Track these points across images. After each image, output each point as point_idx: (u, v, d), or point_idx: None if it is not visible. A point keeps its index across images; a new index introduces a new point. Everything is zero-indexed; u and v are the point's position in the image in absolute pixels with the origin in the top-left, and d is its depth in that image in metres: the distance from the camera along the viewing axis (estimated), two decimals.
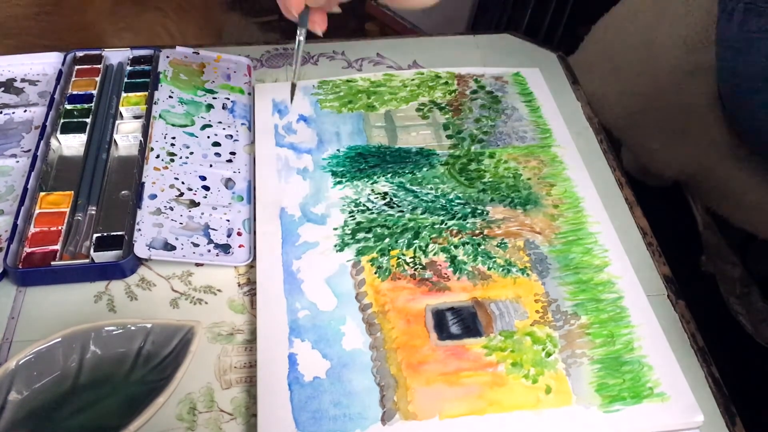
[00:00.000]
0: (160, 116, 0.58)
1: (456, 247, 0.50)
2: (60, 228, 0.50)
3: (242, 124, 0.59)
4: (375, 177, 0.55)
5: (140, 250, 0.48)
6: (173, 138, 0.56)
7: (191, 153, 0.56)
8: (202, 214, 0.52)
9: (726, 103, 0.63)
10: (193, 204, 0.52)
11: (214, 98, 0.61)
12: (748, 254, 0.62)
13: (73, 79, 0.61)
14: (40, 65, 0.64)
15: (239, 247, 0.50)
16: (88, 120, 0.58)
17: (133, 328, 0.42)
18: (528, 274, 0.49)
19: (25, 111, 0.59)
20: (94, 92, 0.60)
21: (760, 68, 0.53)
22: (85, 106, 0.59)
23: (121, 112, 0.59)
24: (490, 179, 0.55)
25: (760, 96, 0.55)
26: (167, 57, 0.63)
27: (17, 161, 0.55)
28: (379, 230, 0.51)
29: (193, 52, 0.65)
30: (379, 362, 0.44)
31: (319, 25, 0.51)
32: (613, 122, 0.71)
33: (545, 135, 0.59)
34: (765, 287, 0.59)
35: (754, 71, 0.54)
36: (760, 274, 0.60)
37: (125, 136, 0.57)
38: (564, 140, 0.59)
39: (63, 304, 0.47)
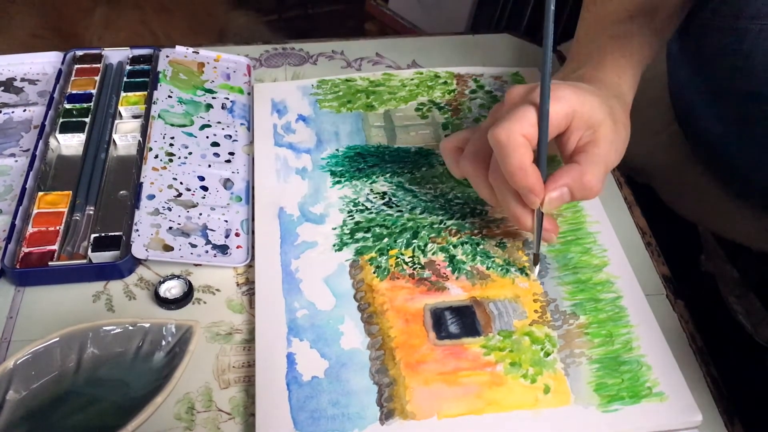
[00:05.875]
0: (159, 116, 0.57)
1: (455, 246, 0.50)
2: (58, 228, 0.50)
3: (241, 124, 0.59)
4: (374, 177, 0.55)
5: (138, 250, 0.48)
6: (172, 138, 0.56)
7: (190, 153, 0.56)
8: (200, 214, 0.52)
9: (679, 117, 0.63)
10: (192, 204, 0.52)
11: (214, 98, 0.61)
12: (740, 261, 0.62)
13: (73, 78, 0.61)
14: (40, 64, 0.64)
15: (237, 248, 0.50)
16: (87, 119, 0.58)
17: (131, 327, 0.42)
18: (527, 274, 0.49)
19: (24, 110, 0.59)
20: (94, 92, 0.60)
21: (714, 83, 0.52)
22: (84, 105, 0.59)
23: (120, 112, 0.59)
24: None
25: (709, 109, 0.55)
26: (167, 56, 0.63)
27: (16, 161, 0.55)
28: (377, 230, 0.51)
29: (193, 52, 0.65)
30: (378, 362, 0.44)
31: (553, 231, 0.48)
32: None
33: None
34: (760, 292, 0.59)
35: (705, 86, 0.54)
36: (754, 280, 0.60)
37: (124, 136, 0.57)
38: None
39: (61, 304, 0.47)
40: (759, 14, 0.46)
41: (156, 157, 0.54)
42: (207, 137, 0.57)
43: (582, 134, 0.44)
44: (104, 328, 0.42)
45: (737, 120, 0.52)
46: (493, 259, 0.50)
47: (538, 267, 0.49)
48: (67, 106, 0.59)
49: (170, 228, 0.50)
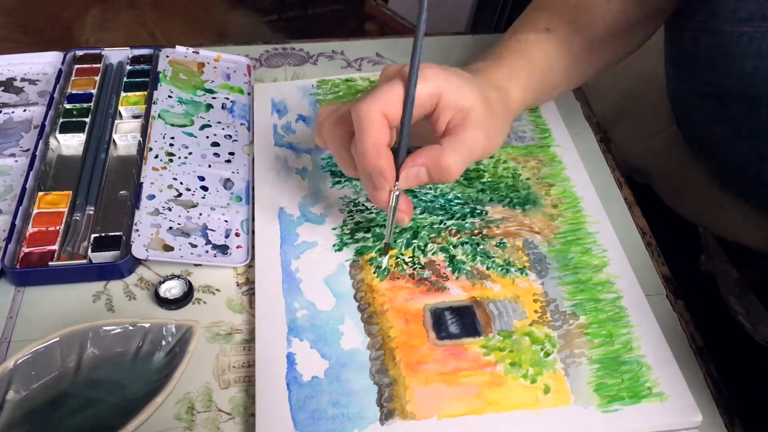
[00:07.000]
0: (159, 116, 0.57)
1: (455, 246, 0.50)
2: (58, 228, 0.50)
3: (241, 124, 0.59)
4: None
5: (138, 250, 0.48)
6: (172, 138, 0.56)
7: (190, 153, 0.56)
8: (200, 214, 0.52)
9: (678, 118, 0.63)
10: (192, 204, 0.52)
11: (214, 98, 0.61)
12: (740, 261, 0.62)
13: (73, 78, 0.61)
14: (40, 64, 0.64)
15: (237, 248, 0.50)
16: (87, 119, 0.58)
17: (131, 327, 0.42)
18: (527, 274, 0.49)
19: (24, 110, 0.59)
20: (94, 92, 0.60)
21: (711, 85, 0.52)
22: (85, 105, 0.59)
23: (120, 112, 0.59)
24: (489, 179, 0.55)
25: (707, 111, 0.55)
26: (167, 56, 0.63)
27: (16, 161, 0.55)
28: (377, 230, 0.51)
29: (193, 52, 0.65)
30: (378, 362, 0.44)
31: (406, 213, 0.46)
32: (600, 116, 0.71)
33: (544, 135, 0.59)
34: (760, 292, 0.59)
35: (702, 88, 0.54)
36: (754, 280, 0.60)
37: (124, 136, 0.57)
38: (563, 140, 0.59)
39: (61, 304, 0.47)
40: (754, 17, 0.46)
41: (156, 157, 0.54)
42: (207, 137, 0.57)
43: (452, 116, 0.43)
44: (104, 328, 0.42)
45: (735, 121, 0.52)
46: (493, 259, 0.50)
47: (387, 258, 0.48)
48: (67, 106, 0.59)
49: (170, 228, 0.50)
